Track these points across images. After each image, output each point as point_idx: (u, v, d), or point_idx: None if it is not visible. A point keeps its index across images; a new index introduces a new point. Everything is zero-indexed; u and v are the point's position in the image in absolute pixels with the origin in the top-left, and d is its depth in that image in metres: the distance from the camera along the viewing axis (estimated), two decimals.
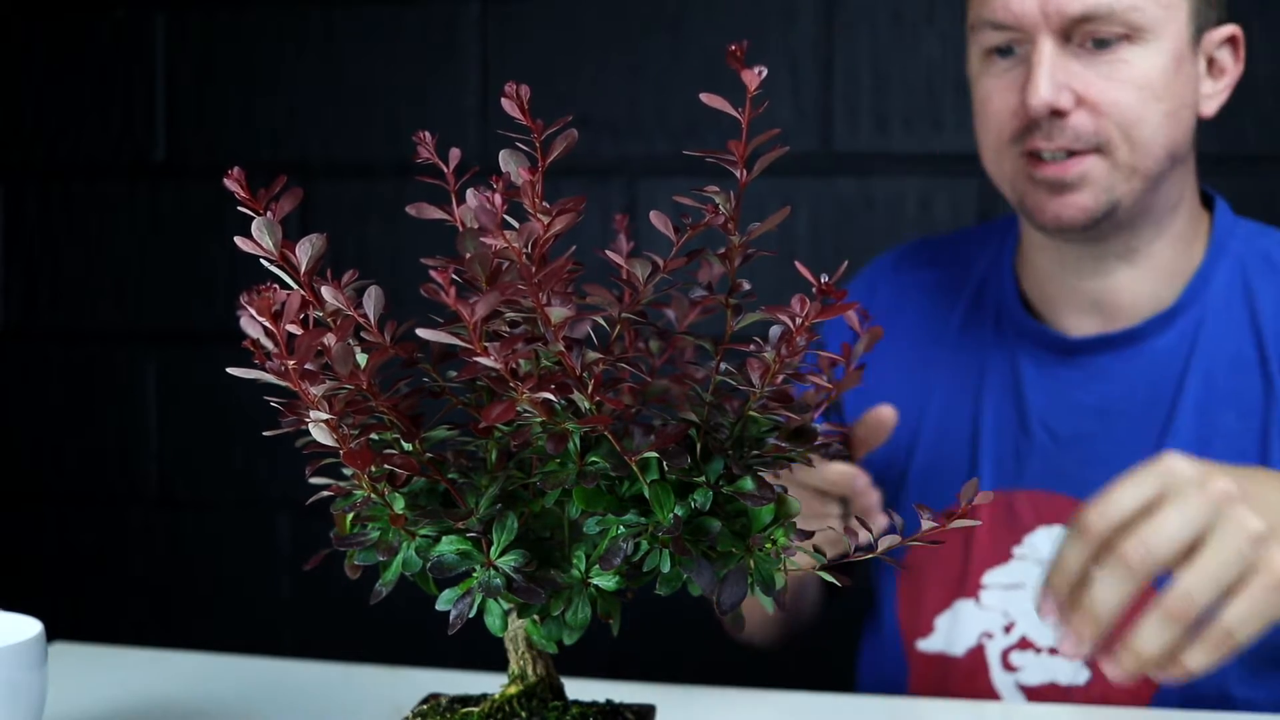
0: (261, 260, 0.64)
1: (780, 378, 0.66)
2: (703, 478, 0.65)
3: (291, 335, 0.61)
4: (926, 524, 0.66)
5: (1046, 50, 1.10)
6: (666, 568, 0.64)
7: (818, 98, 1.77)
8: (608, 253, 0.67)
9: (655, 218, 0.67)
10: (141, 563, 2.00)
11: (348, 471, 0.66)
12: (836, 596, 1.29)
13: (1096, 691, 1.14)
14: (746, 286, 0.67)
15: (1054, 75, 1.10)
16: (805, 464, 0.72)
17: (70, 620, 1.73)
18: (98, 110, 1.98)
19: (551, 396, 0.62)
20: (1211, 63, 1.18)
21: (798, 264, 0.68)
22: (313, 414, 0.63)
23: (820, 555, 0.67)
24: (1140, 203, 1.14)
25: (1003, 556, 1.19)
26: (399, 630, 1.62)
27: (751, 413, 0.68)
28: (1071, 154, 1.12)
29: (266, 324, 0.61)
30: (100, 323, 2.00)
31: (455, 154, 0.68)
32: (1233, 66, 1.19)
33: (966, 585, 1.20)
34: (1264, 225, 1.25)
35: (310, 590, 1.93)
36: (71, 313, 2.01)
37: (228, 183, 0.64)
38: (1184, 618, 0.81)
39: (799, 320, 0.63)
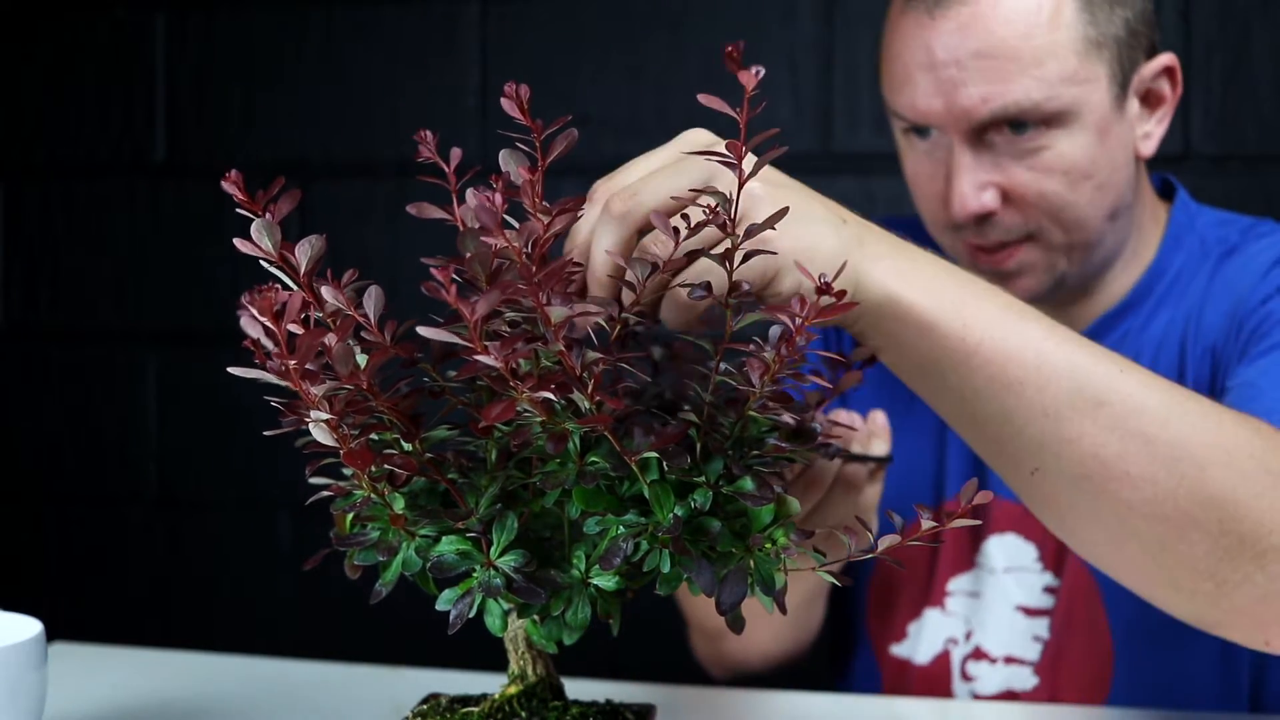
0: (261, 261, 0.64)
1: (780, 378, 0.66)
2: (702, 478, 0.65)
3: (292, 335, 0.61)
4: (927, 524, 0.66)
5: (962, 154, 1.06)
6: (666, 568, 0.64)
7: (818, 98, 1.77)
8: (606, 251, 0.67)
9: (654, 217, 0.67)
10: (141, 563, 2.00)
11: (348, 471, 0.66)
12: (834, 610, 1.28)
13: (1045, 696, 1.14)
14: (746, 286, 0.67)
15: (975, 178, 1.06)
16: (805, 464, 0.72)
17: (70, 620, 1.73)
18: (98, 110, 1.98)
19: (551, 396, 0.62)
20: (1148, 95, 1.12)
21: (797, 264, 0.68)
22: (313, 414, 0.63)
23: (820, 555, 0.67)
24: (1087, 264, 1.12)
25: (966, 564, 1.19)
26: (399, 630, 1.62)
27: (751, 413, 0.68)
28: (1005, 244, 1.09)
29: (267, 324, 0.61)
30: (100, 323, 2.00)
31: (456, 153, 0.68)
32: (1171, 94, 1.13)
33: (932, 593, 1.20)
34: (1232, 215, 1.20)
35: (310, 590, 1.93)
36: (71, 313, 2.01)
37: (225, 185, 0.64)
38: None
39: (799, 320, 0.63)
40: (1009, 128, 1.05)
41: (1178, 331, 1.14)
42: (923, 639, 1.20)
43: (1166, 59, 1.12)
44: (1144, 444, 0.76)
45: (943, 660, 1.18)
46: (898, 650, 1.21)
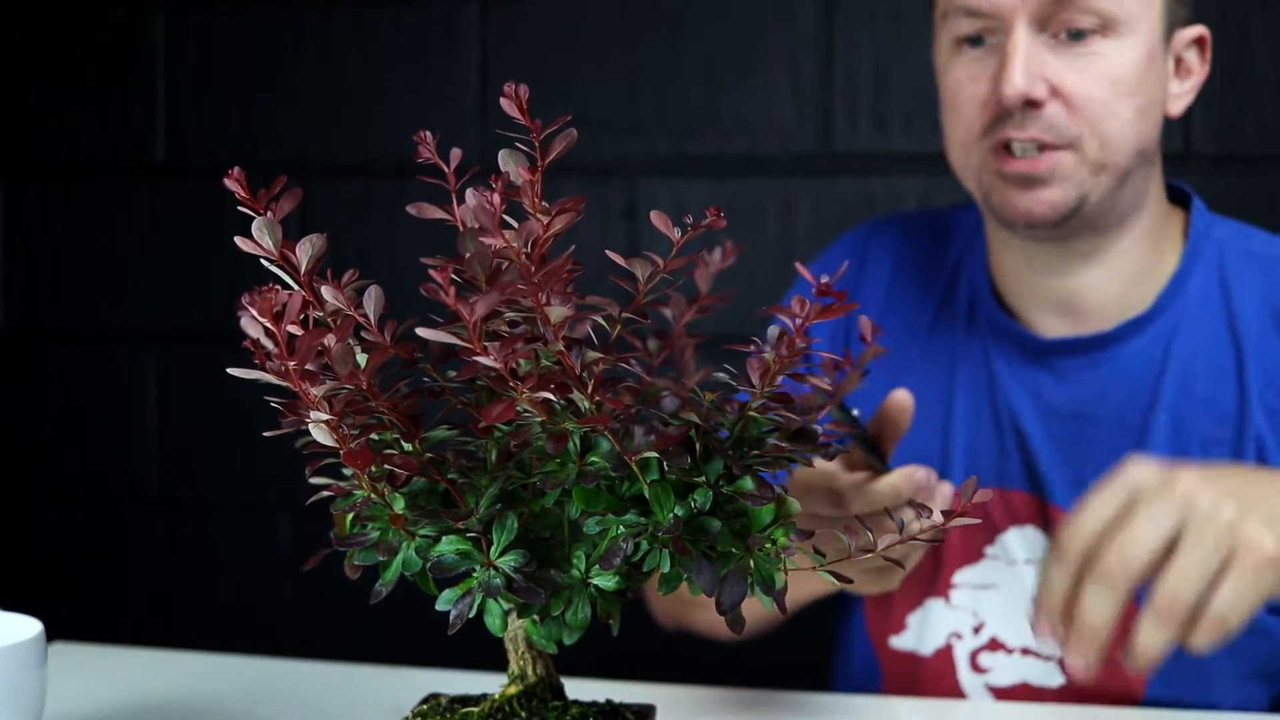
0: (261, 260, 0.64)
1: (779, 379, 0.66)
2: (703, 478, 0.65)
3: (292, 335, 0.61)
4: (926, 523, 0.66)
5: (1021, 38, 1.08)
6: (666, 568, 0.64)
7: (818, 98, 1.77)
8: (607, 251, 0.67)
9: (656, 218, 0.67)
10: (141, 563, 2.00)
11: (348, 471, 0.66)
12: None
13: (1073, 695, 1.13)
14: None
15: (1029, 64, 1.08)
16: (806, 464, 0.72)
17: (70, 620, 1.73)
18: (98, 110, 1.98)
19: (551, 396, 0.62)
20: (1179, 63, 1.16)
21: (798, 265, 0.68)
22: (313, 414, 0.63)
23: (820, 555, 0.67)
24: (1107, 199, 1.12)
25: (974, 556, 1.19)
26: (399, 630, 1.62)
27: (751, 413, 0.68)
28: (1042, 148, 1.10)
29: (267, 324, 0.61)
30: (100, 323, 2.00)
31: (456, 154, 0.68)
32: (1199, 68, 1.17)
33: (937, 584, 1.19)
34: (1243, 224, 1.22)
35: (310, 590, 1.93)
36: (71, 313, 2.01)
37: (228, 183, 0.64)
38: (1176, 616, 0.83)
39: (798, 321, 0.63)
40: (1066, 33, 1.09)
41: (1228, 350, 1.15)
42: (925, 631, 1.19)
43: (1199, 29, 1.16)
44: None
45: (944, 654, 1.18)
46: (897, 642, 1.21)
